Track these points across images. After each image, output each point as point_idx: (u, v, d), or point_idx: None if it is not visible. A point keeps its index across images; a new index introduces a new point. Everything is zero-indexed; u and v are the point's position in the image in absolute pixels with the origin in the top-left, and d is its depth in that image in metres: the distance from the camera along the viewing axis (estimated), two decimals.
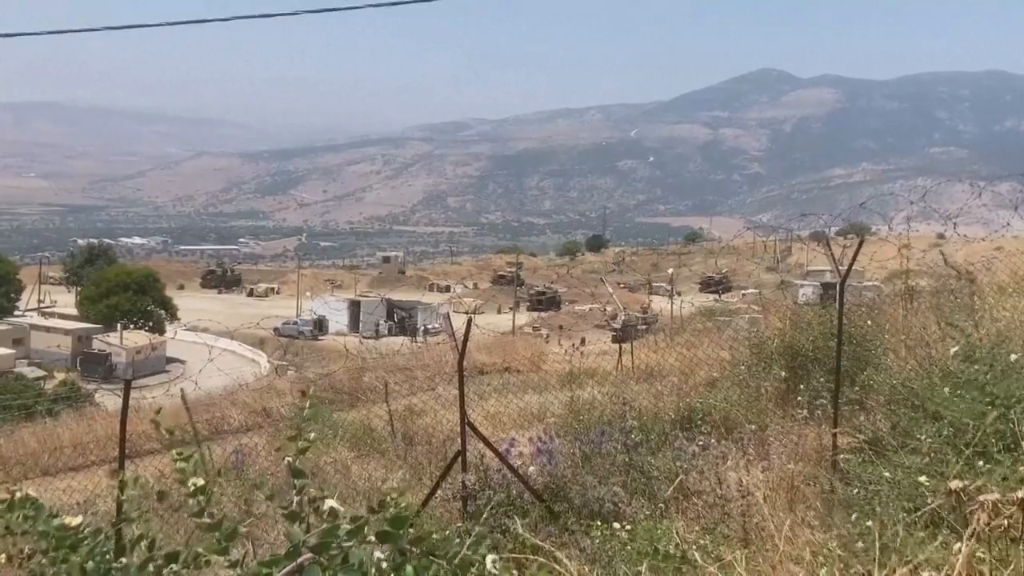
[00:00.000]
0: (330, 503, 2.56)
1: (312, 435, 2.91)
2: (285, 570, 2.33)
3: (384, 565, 2.44)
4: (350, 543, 2.43)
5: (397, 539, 2.47)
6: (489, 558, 2.55)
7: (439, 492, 9.75)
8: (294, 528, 2.51)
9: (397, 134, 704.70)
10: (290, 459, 2.76)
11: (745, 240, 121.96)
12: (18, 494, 2.60)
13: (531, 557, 5.71)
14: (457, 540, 2.58)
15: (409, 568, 2.44)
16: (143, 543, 2.58)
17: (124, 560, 2.50)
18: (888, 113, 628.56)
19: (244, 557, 2.53)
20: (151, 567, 2.51)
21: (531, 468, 9.84)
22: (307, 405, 3.17)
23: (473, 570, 2.53)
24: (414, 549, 2.48)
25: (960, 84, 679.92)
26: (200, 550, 2.53)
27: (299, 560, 2.35)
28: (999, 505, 3.70)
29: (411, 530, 2.50)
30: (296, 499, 2.58)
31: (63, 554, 2.47)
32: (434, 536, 2.53)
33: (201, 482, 2.64)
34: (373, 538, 2.47)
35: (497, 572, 2.54)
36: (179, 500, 2.75)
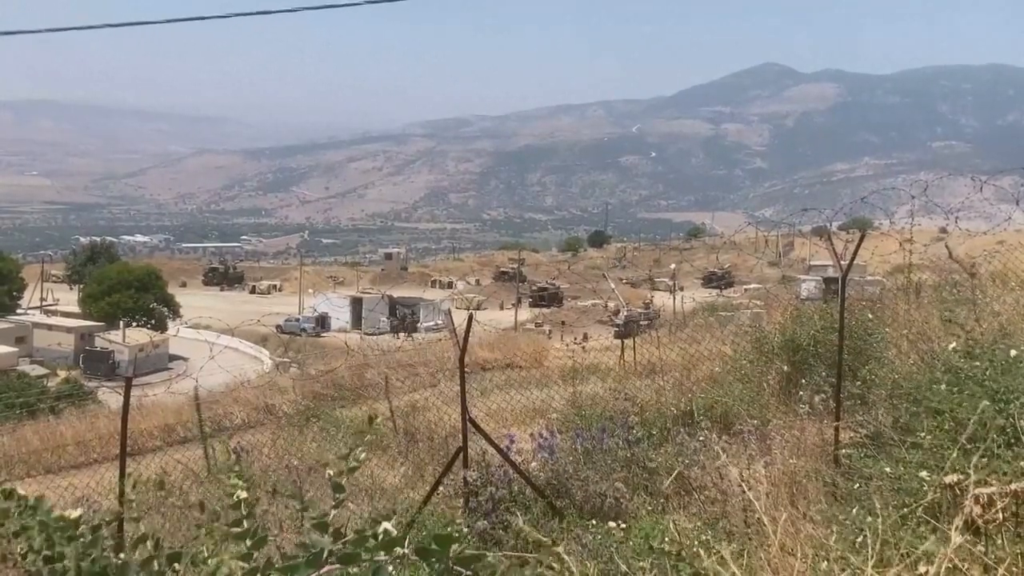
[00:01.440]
0: (386, 526, 2.39)
1: (363, 455, 2.85)
2: None
3: None
4: (384, 557, 2.28)
5: (441, 558, 2.27)
6: None
7: (441, 488, 9.76)
8: (320, 537, 2.39)
9: (399, 131, 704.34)
10: (331, 472, 2.72)
11: (747, 235, 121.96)
12: (7, 487, 2.59)
13: (531, 556, 5.71)
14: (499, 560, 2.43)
15: None
16: (148, 542, 2.57)
17: (124, 556, 2.49)
18: (890, 107, 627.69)
19: (265, 564, 2.45)
20: (155, 565, 2.49)
21: (533, 464, 9.84)
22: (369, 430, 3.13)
23: None
24: (460, 570, 2.28)
25: (962, 78, 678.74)
26: (225, 556, 2.50)
27: (323, 570, 2.25)
28: (994, 498, 3.70)
29: (456, 547, 2.30)
30: (334, 513, 2.51)
31: (58, 549, 2.45)
32: (487, 556, 2.35)
33: (245, 495, 2.64)
34: (409, 552, 2.31)
35: None
36: (184, 499, 2.76)
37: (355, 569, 2.29)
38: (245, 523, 2.57)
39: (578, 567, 5.07)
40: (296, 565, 2.27)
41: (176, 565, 2.52)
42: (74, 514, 2.56)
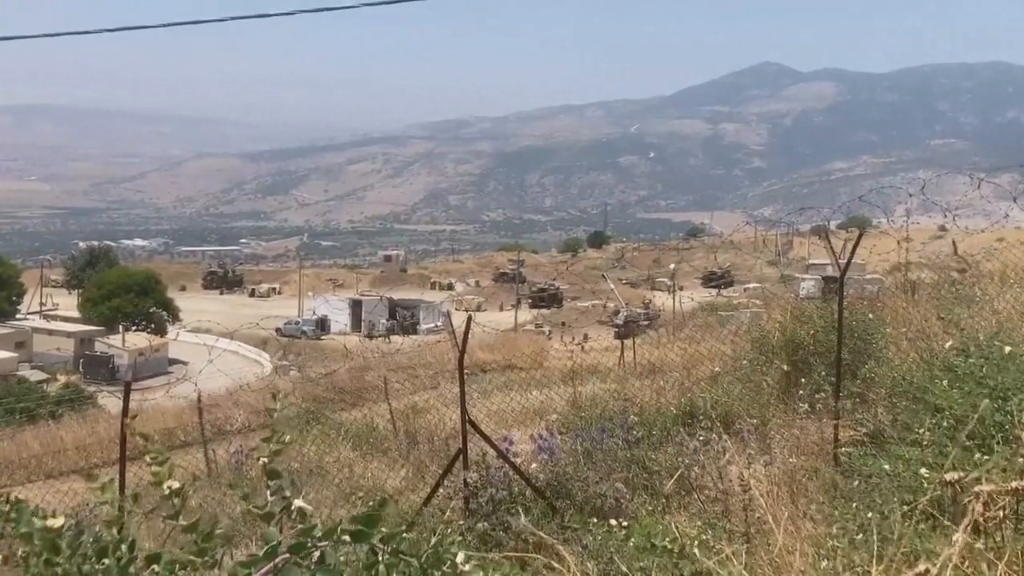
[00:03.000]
0: (298, 503, 2.58)
1: (287, 437, 2.92)
2: (262, 570, 2.35)
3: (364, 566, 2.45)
4: (325, 543, 2.45)
5: (370, 538, 2.48)
6: (460, 555, 2.57)
7: (441, 490, 9.75)
8: (271, 529, 2.53)
9: (398, 133, 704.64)
10: (264, 460, 2.77)
11: (746, 235, 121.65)
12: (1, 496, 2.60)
13: (532, 556, 5.71)
14: (433, 539, 2.61)
15: (380, 567, 2.46)
16: (123, 545, 2.58)
17: (107, 561, 2.50)
18: (889, 105, 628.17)
19: (222, 558, 2.54)
20: (132, 568, 2.51)
21: (533, 465, 9.84)
22: (279, 407, 3.19)
23: (445, 567, 2.54)
24: (385, 547, 2.50)
25: (961, 76, 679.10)
26: (176, 551, 2.54)
27: (276, 560, 2.36)
28: (994, 495, 3.70)
29: (384, 529, 2.51)
30: (271, 500, 2.61)
31: (44, 557, 2.46)
32: (405, 535, 2.54)
33: (176, 484, 2.66)
34: (347, 538, 2.48)
35: (469, 570, 2.56)
36: (156, 503, 2.77)
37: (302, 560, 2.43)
38: (181, 517, 2.63)
39: (578, 567, 5.07)
40: (255, 559, 2.37)
41: (155, 567, 2.54)
42: (56, 522, 2.56)
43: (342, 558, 2.47)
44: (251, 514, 2.70)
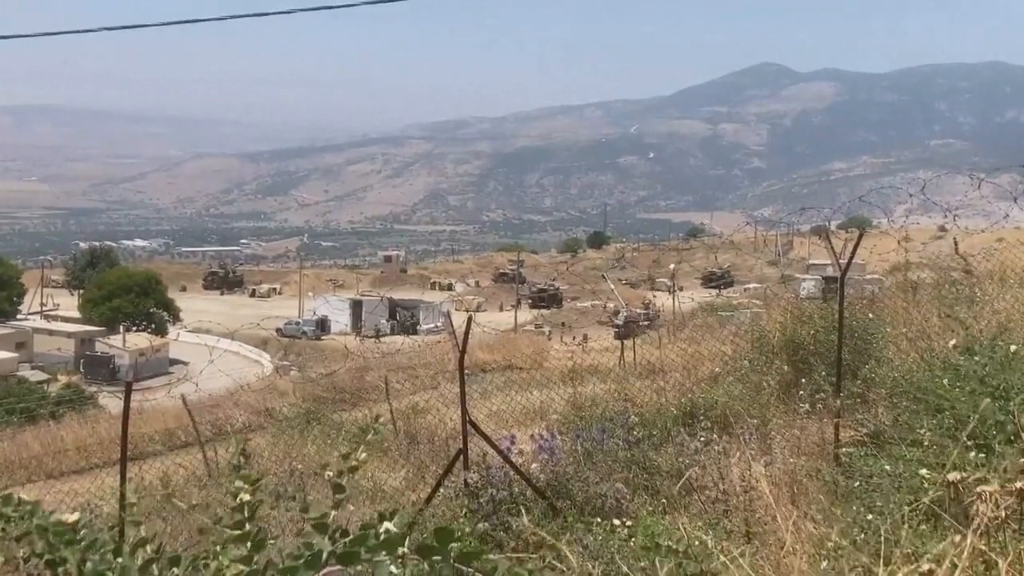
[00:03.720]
0: (388, 525, 2.38)
1: (363, 455, 2.85)
2: None
3: None
4: (384, 557, 2.26)
5: (443, 555, 2.25)
6: None
7: (441, 490, 9.76)
8: (320, 539, 2.38)
9: (397, 133, 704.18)
10: (330, 473, 2.72)
11: (746, 235, 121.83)
12: (5, 492, 2.60)
13: (532, 556, 5.71)
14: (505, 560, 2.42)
15: None
16: (149, 546, 2.56)
17: (121, 560, 2.48)
18: (888, 106, 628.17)
19: (266, 566, 2.43)
20: (154, 568, 2.49)
21: (533, 465, 9.84)
22: (372, 431, 3.13)
23: None
24: (462, 567, 2.26)
25: (960, 76, 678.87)
26: (224, 559, 2.49)
27: (323, 572, 2.23)
28: (997, 496, 3.71)
29: (456, 544, 2.28)
30: (333, 513, 2.50)
31: (58, 552, 2.45)
32: (486, 556, 2.31)
33: (248, 497, 2.62)
34: (409, 551, 2.29)
35: None
36: (187, 503, 2.75)
37: (357, 568, 2.28)
38: (247, 526, 2.56)
39: (580, 567, 5.08)
40: (295, 566, 2.26)
41: (175, 569, 2.51)
42: (72, 518, 2.56)
43: (394, 570, 2.26)
44: (302, 531, 2.66)
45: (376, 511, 2.53)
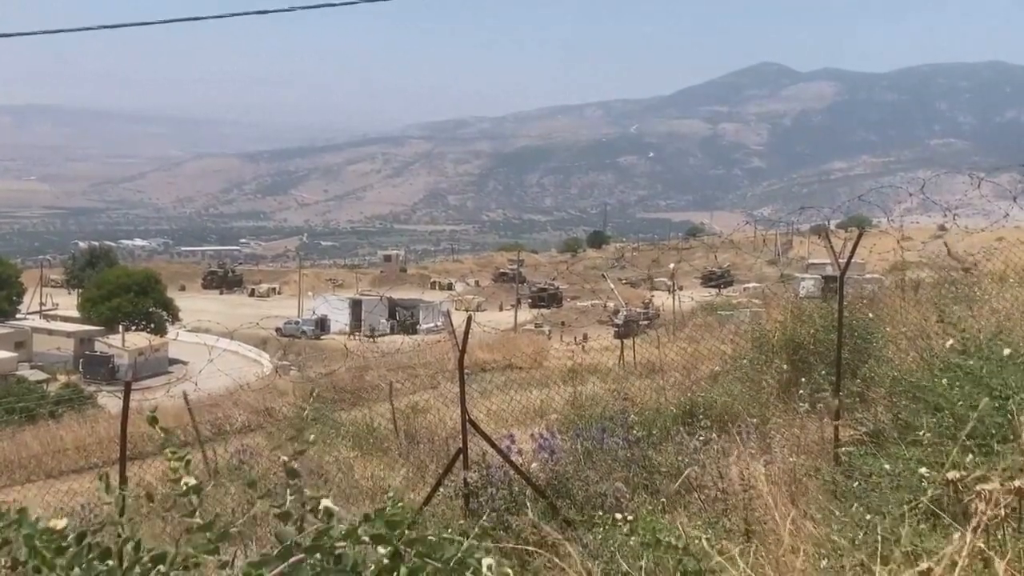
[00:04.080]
0: (326, 503, 2.50)
1: (311, 436, 2.88)
2: (275, 571, 2.30)
3: (378, 567, 2.38)
4: (344, 544, 2.38)
5: (392, 541, 2.40)
6: (486, 561, 2.49)
7: (441, 490, 9.76)
8: (286, 528, 2.47)
9: (397, 133, 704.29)
10: (286, 459, 2.73)
11: (746, 234, 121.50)
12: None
13: (534, 551, 5.71)
14: (456, 542, 2.53)
15: (403, 570, 2.37)
16: (129, 545, 2.55)
17: (111, 563, 2.47)
18: (888, 105, 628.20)
19: (234, 558, 2.49)
20: (138, 569, 2.48)
21: (533, 464, 9.84)
22: (308, 407, 3.13)
23: (469, 573, 2.46)
24: (409, 551, 2.42)
25: (960, 75, 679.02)
26: (190, 550, 2.50)
27: (290, 561, 2.32)
28: (997, 495, 3.71)
29: (408, 531, 2.43)
30: (290, 499, 2.55)
31: (49, 560, 2.44)
32: (431, 537, 2.46)
33: (193, 481, 2.62)
34: (368, 539, 2.41)
35: (493, 575, 2.48)
36: (172, 501, 2.72)
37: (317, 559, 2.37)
38: (198, 514, 2.58)
39: (581, 564, 5.07)
40: (267, 559, 2.33)
41: (160, 567, 2.50)
42: (60, 524, 2.54)
43: (360, 560, 2.39)
44: (258, 515, 2.68)
45: (375, 505, 2.55)
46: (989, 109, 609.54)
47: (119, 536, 2.56)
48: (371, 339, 58.05)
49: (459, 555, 2.46)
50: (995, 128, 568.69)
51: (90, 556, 2.47)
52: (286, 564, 2.31)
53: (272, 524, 2.54)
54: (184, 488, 2.61)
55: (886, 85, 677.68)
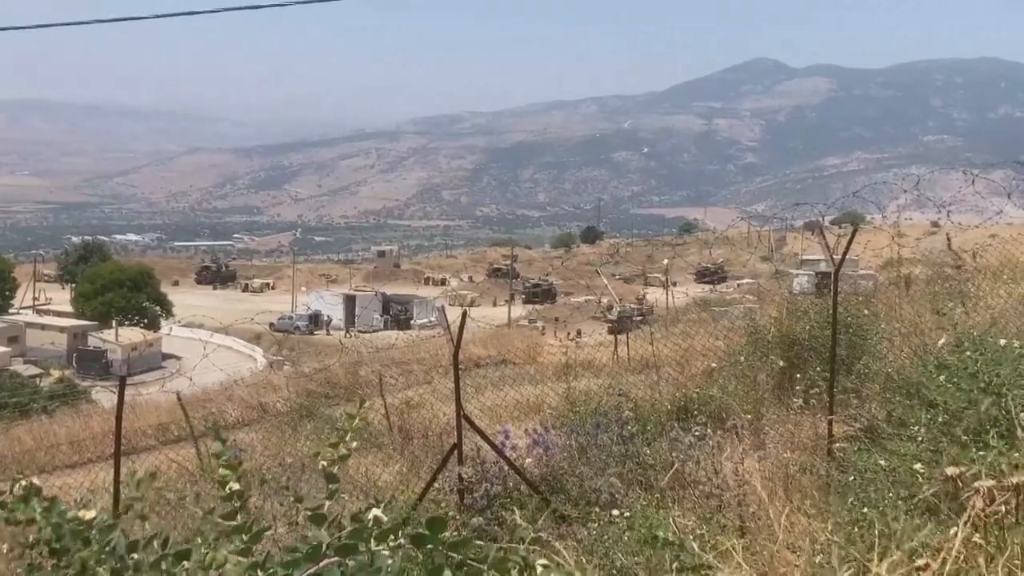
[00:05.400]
0: (376, 512, 2.45)
1: (355, 444, 2.87)
2: (306, 573, 2.25)
3: (419, 570, 2.30)
4: (380, 547, 2.32)
5: (435, 543, 2.31)
6: (540, 562, 2.43)
7: (436, 485, 9.76)
8: (319, 531, 2.42)
9: (391, 128, 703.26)
10: (324, 464, 2.73)
11: (739, 230, 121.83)
12: (23, 484, 2.59)
13: (531, 548, 5.70)
14: (495, 546, 2.46)
15: (448, 573, 2.28)
16: (156, 542, 2.56)
17: (136, 556, 2.48)
18: (882, 101, 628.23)
19: (265, 559, 2.44)
20: (163, 565, 2.48)
21: (528, 460, 9.85)
22: (356, 416, 3.12)
23: (513, 574, 2.38)
24: (452, 555, 2.32)
25: (954, 71, 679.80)
26: (224, 551, 2.49)
27: (323, 563, 2.27)
28: (994, 491, 3.71)
29: (447, 533, 2.35)
30: (328, 503, 2.53)
31: (76, 548, 2.45)
32: (475, 541, 2.39)
33: (238, 486, 2.63)
34: (404, 542, 2.34)
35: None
36: (180, 496, 2.74)
37: (351, 561, 2.31)
38: (239, 516, 2.57)
39: (575, 561, 5.08)
40: (296, 560, 2.29)
41: (185, 563, 2.50)
42: (89, 514, 2.55)
43: (401, 565, 2.32)
44: (275, 516, 2.68)
45: (368, 501, 2.53)
46: (983, 106, 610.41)
47: (123, 531, 2.57)
48: (348, 335, 58.06)
49: (502, 556, 2.39)
50: (989, 124, 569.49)
51: (115, 547, 2.47)
52: (319, 566, 2.27)
53: (301, 524, 2.52)
54: (228, 492, 2.62)
55: (880, 81, 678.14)
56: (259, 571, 2.40)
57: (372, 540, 2.34)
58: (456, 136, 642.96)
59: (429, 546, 2.33)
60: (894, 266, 19.53)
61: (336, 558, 2.30)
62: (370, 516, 2.45)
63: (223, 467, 2.71)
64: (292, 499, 2.71)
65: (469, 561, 2.34)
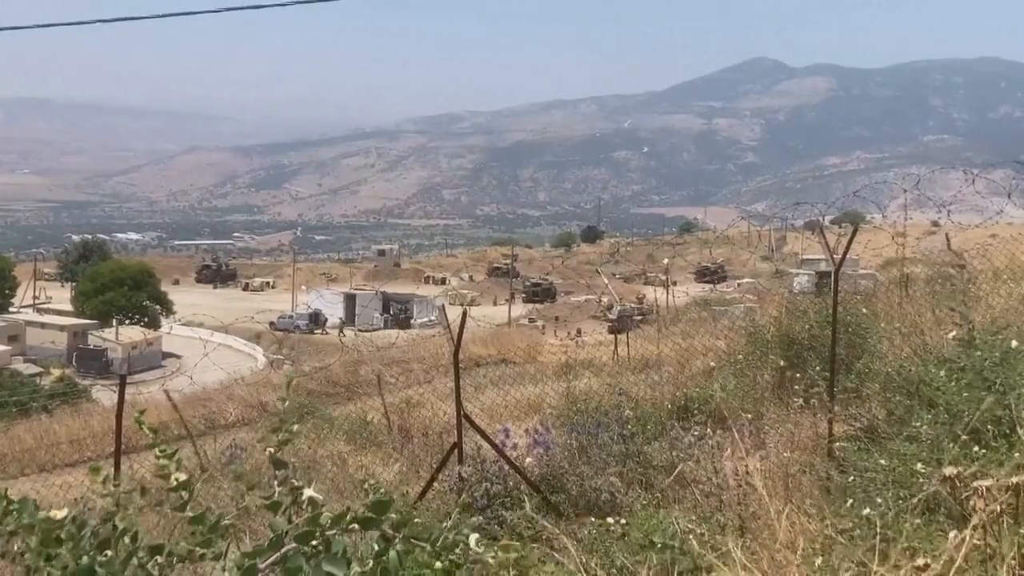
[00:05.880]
0: (309, 492, 2.55)
1: (295, 427, 2.90)
2: (268, 560, 2.32)
3: (368, 551, 2.40)
4: (333, 531, 2.41)
5: (379, 525, 2.44)
6: (472, 537, 2.53)
7: (436, 484, 9.76)
8: (277, 519, 2.50)
9: (391, 127, 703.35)
10: (271, 450, 2.76)
11: (739, 230, 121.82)
12: None
13: (531, 545, 5.70)
14: (442, 524, 2.57)
15: (392, 553, 2.40)
16: (126, 537, 2.56)
17: (109, 553, 2.49)
18: (882, 101, 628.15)
19: (227, 549, 2.51)
20: (135, 560, 2.49)
21: (528, 459, 9.85)
22: (286, 398, 3.14)
23: (457, 551, 2.49)
24: (397, 534, 2.45)
25: (954, 71, 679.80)
26: (183, 543, 2.51)
27: (282, 550, 2.33)
28: (994, 491, 3.71)
29: (393, 515, 2.46)
30: (278, 490, 2.58)
31: (48, 549, 2.45)
32: (416, 520, 2.50)
33: (183, 476, 2.64)
34: (356, 526, 2.44)
35: (480, 551, 2.51)
36: (163, 495, 2.74)
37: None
38: (188, 508, 2.60)
39: (577, 558, 5.08)
40: (260, 549, 2.33)
41: (158, 558, 2.52)
42: (59, 514, 2.55)
43: (350, 547, 2.41)
44: (248, 508, 2.69)
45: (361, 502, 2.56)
46: (983, 105, 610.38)
47: (114, 528, 2.57)
48: (340, 333, 58.17)
49: (446, 535, 2.50)
50: (989, 124, 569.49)
51: (87, 546, 2.48)
52: (279, 553, 2.32)
53: (265, 517, 2.56)
54: (174, 483, 2.63)
55: (880, 81, 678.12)
56: (222, 560, 2.45)
57: (327, 527, 2.43)
58: (456, 135, 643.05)
59: (376, 529, 2.46)
60: (894, 265, 19.55)
61: (295, 545, 2.37)
62: (304, 496, 2.55)
63: (161, 456, 2.71)
64: (245, 488, 2.73)
65: (416, 541, 2.47)
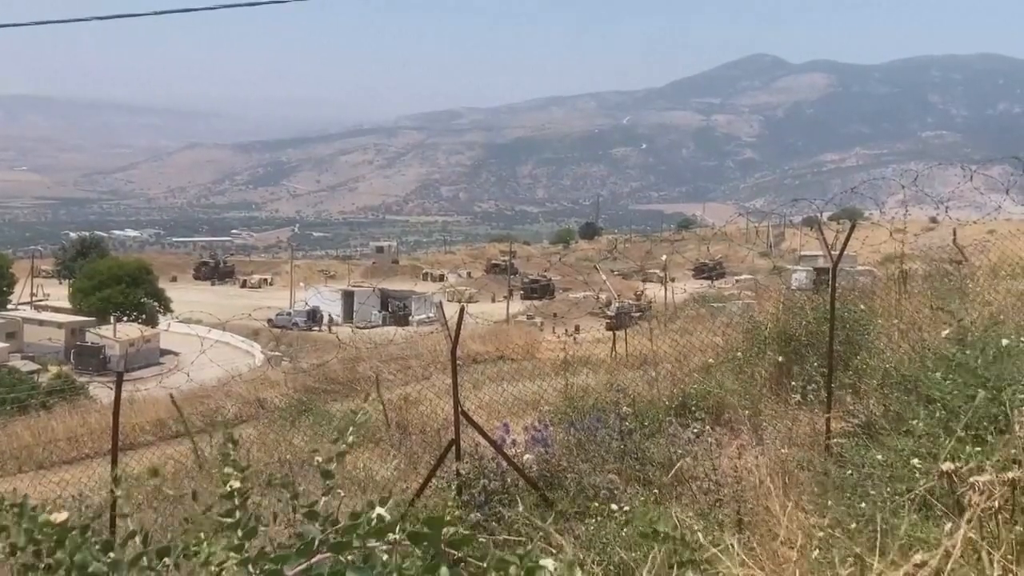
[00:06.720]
0: (380, 511, 2.40)
1: (351, 439, 2.86)
2: (298, 567, 2.22)
3: (416, 569, 2.23)
4: (376, 543, 2.27)
5: (433, 541, 2.24)
6: (549, 562, 2.28)
7: (434, 481, 9.75)
8: (311, 526, 2.41)
9: (390, 123, 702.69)
10: (320, 460, 2.73)
11: (738, 226, 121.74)
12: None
13: (529, 540, 5.70)
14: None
15: (444, 570, 2.19)
16: (137, 538, 2.54)
17: (112, 555, 2.46)
18: (881, 97, 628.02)
19: (258, 554, 2.42)
20: (144, 561, 2.47)
21: (526, 456, 9.84)
22: (359, 416, 3.11)
23: (511, 571, 2.26)
24: (452, 552, 2.25)
25: (953, 67, 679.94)
26: (217, 547, 2.48)
27: (315, 559, 2.23)
28: (990, 486, 3.71)
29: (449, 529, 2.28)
30: (323, 500, 2.52)
31: (49, 551, 2.43)
32: (476, 541, 2.34)
33: (239, 484, 2.62)
34: (400, 537, 2.29)
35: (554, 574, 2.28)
36: (177, 493, 2.73)
37: (349, 557, 2.27)
38: (237, 514, 2.56)
39: (573, 555, 5.07)
40: (287, 555, 2.26)
41: (166, 559, 2.49)
42: (60, 518, 2.52)
43: (397, 564, 2.24)
44: (257, 510, 2.67)
45: (367, 499, 2.52)
46: (981, 101, 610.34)
47: (114, 529, 2.56)
48: (328, 330, 58.32)
49: (503, 556, 2.32)
50: (987, 120, 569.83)
51: (92, 548, 2.45)
52: (310, 561, 2.24)
53: (296, 521, 2.52)
54: (228, 490, 2.61)
55: (879, 77, 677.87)
56: (250, 566, 2.37)
57: (366, 536, 2.30)
58: (455, 132, 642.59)
59: (426, 543, 2.27)
60: (893, 262, 19.52)
61: (328, 554, 2.26)
62: (373, 515, 2.39)
63: (228, 466, 2.70)
64: (288, 496, 2.69)
65: (468, 559, 2.28)
